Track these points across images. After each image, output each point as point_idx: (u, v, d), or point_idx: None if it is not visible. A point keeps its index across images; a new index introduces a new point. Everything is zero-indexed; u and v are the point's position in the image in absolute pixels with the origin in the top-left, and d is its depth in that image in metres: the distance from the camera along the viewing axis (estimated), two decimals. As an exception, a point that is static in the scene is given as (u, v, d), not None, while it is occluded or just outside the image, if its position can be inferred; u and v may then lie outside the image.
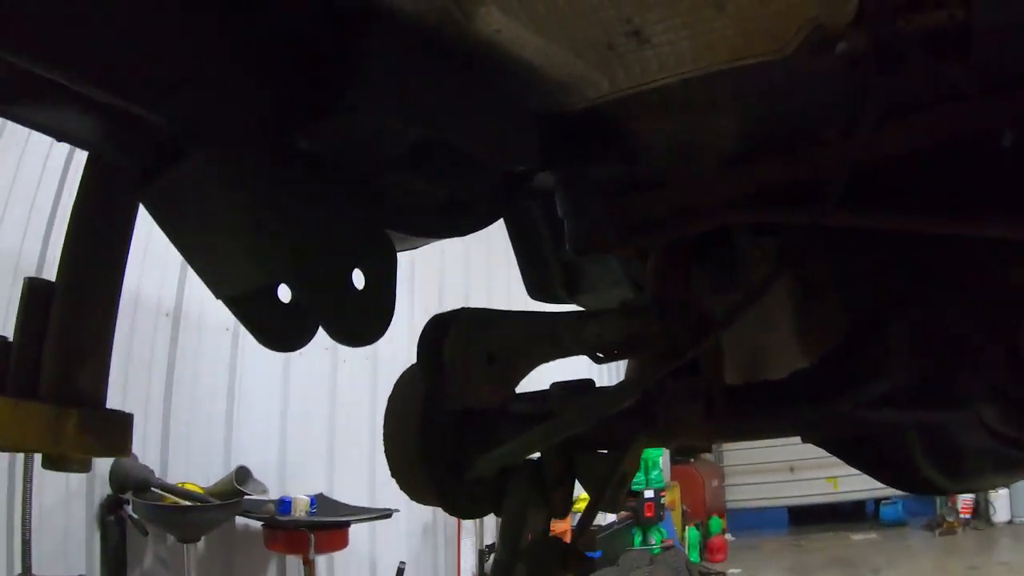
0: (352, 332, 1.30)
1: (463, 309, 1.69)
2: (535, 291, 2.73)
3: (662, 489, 13.92)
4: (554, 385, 2.21)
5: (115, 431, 1.29)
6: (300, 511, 7.09)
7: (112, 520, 6.12)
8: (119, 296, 1.35)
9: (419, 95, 1.32)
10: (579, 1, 1.24)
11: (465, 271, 11.56)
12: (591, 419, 1.93)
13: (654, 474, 13.82)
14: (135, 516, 6.17)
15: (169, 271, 7.11)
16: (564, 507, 2.31)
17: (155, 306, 7.14)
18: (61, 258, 1.31)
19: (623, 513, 12.84)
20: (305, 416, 8.55)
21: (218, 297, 1.33)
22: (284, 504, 7.05)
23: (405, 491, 2.32)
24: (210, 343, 7.67)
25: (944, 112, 1.78)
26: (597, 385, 2.25)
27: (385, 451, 2.27)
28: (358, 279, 1.30)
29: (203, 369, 7.55)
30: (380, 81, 1.25)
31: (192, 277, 6.96)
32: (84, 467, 1.28)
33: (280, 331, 1.37)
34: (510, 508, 2.23)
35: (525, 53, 1.38)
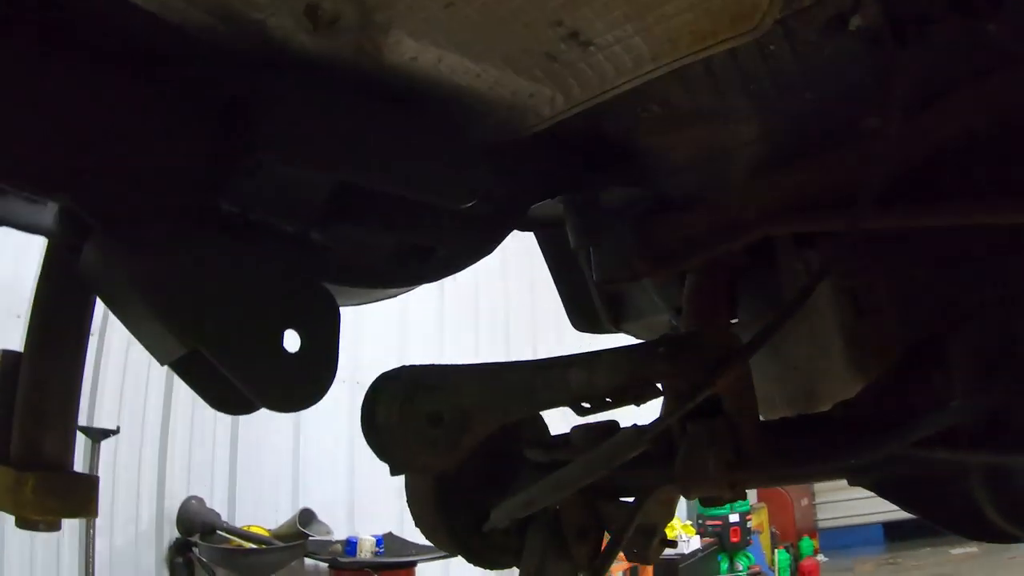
0: (281, 397, 1.26)
1: (403, 368, 1.62)
2: (579, 322, 2.64)
3: (748, 512, 13.32)
4: (575, 429, 2.03)
5: (77, 493, 1.35)
6: (366, 551, 7.17)
7: (180, 562, 6.31)
8: (82, 367, 1.42)
9: (328, 143, 1.25)
10: (493, 9, 1.15)
11: (531, 300, 11.53)
12: (596, 470, 1.79)
13: (739, 496, 13.20)
14: (202, 559, 6.32)
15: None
16: (590, 560, 2.14)
17: None
18: (27, 331, 1.40)
19: (708, 539, 12.50)
20: (373, 455, 8.64)
21: (162, 364, 1.33)
22: (350, 545, 7.15)
23: (429, 540, 2.28)
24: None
25: (992, 84, 1.59)
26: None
27: (407, 500, 2.23)
28: (291, 340, 1.26)
29: (267, 412, 7.70)
30: (282, 133, 1.21)
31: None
32: (51, 527, 1.35)
33: (222, 395, 1.35)
34: (526, 561, 2.14)
35: (454, 78, 1.31)
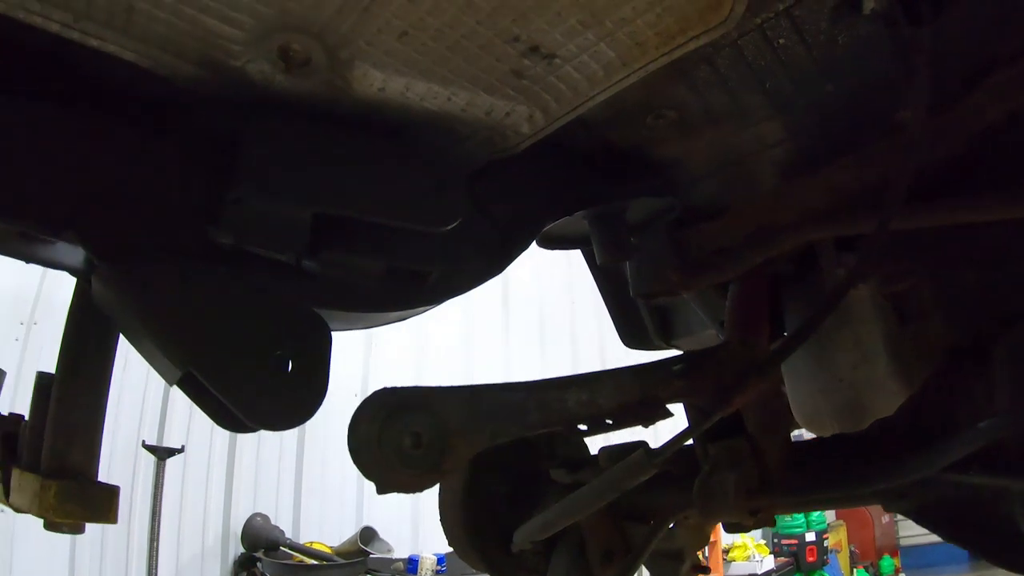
0: (266, 417, 1.33)
1: (385, 389, 1.62)
2: (628, 339, 2.59)
3: (825, 530, 12.86)
4: (602, 450, 1.97)
5: (97, 500, 1.50)
6: (427, 570, 7.26)
7: (244, 576, 6.51)
8: (108, 386, 1.58)
9: (301, 176, 1.32)
10: (446, 34, 1.17)
11: (598, 312, 11.51)
12: (607, 494, 1.71)
13: (815, 513, 12.64)
14: (266, 574, 6.53)
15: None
16: None
17: None
18: (58, 355, 1.57)
19: (782, 559, 12.10)
20: (436, 473, 8.76)
21: (169, 385, 1.45)
22: (411, 563, 7.25)
23: (462, 559, 2.30)
24: (338, 406, 8.01)
25: None
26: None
27: (440, 519, 2.26)
28: (280, 362, 1.34)
29: (333, 432, 7.91)
30: (259, 169, 1.28)
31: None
32: (73, 530, 1.51)
33: (220, 411, 1.41)
34: None
35: (425, 104, 1.33)
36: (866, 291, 1.92)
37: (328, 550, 6.97)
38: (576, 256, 2.51)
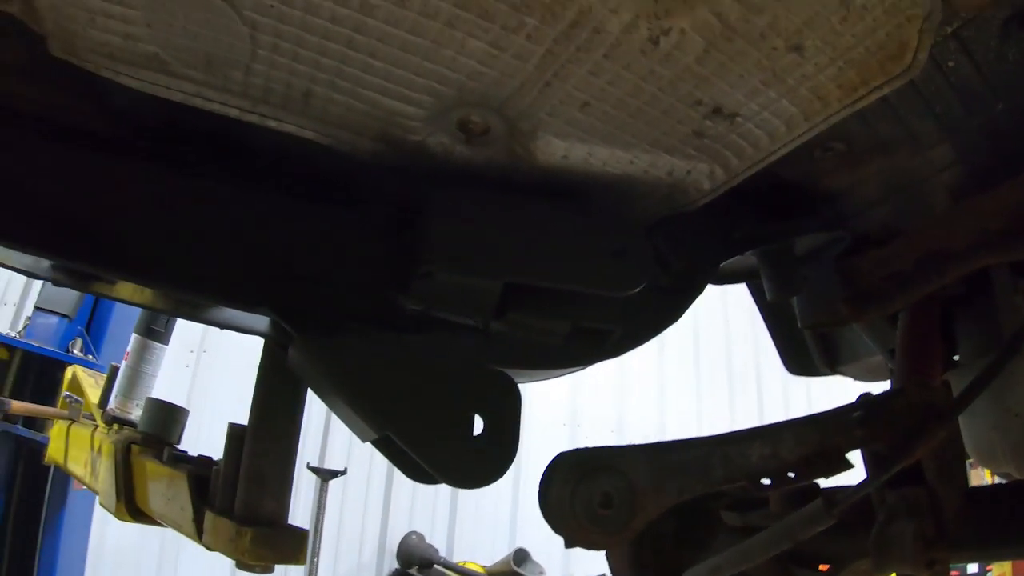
0: (463, 477, 1.36)
1: (577, 450, 1.62)
2: (793, 366, 2.53)
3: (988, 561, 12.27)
4: (776, 493, 1.87)
5: (287, 545, 1.60)
6: (578, 591, 7.33)
7: (398, 591, 6.71)
8: (297, 439, 1.70)
9: (491, 247, 1.33)
10: (627, 103, 1.17)
11: (754, 336, 11.19)
12: (782, 543, 1.66)
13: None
14: (420, 591, 6.71)
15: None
16: None
17: None
18: (250, 410, 1.69)
19: None
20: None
21: (363, 442, 1.51)
22: (563, 584, 7.32)
23: None
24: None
25: None
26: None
27: (605, 554, 2.17)
28: (475, 423, 1.38)
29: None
30: (447, 242, 1.31)
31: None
32: (265, 571, 1.63)
33: (416, 468, 1.46)
34: None
35: (607, 168, 1.34)
36: None
37: (481, 570, 7.09)
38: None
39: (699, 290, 1.79)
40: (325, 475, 6.78)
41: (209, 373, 6.87)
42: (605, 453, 1.65)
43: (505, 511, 8.05)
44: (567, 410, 8.96)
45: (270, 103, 1.20)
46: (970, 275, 1.83)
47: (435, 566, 6.79)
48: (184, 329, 6.88)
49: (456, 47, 1.04)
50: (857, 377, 2.48)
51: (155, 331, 3.39)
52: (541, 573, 7.47)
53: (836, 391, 2.34)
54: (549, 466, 1.65)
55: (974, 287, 1.94)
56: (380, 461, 7.55)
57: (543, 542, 7.83)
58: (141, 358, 3.39)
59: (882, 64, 1.14)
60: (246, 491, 1.63)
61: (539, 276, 1.38)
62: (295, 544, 1.64)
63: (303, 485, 6.98)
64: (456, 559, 7.23)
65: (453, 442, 1.37)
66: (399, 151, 1.29)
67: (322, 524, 6.70)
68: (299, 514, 6.93)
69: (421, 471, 1.43)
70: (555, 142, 1.25)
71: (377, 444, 1.42)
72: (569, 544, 1.57)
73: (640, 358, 9.79)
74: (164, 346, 3.46)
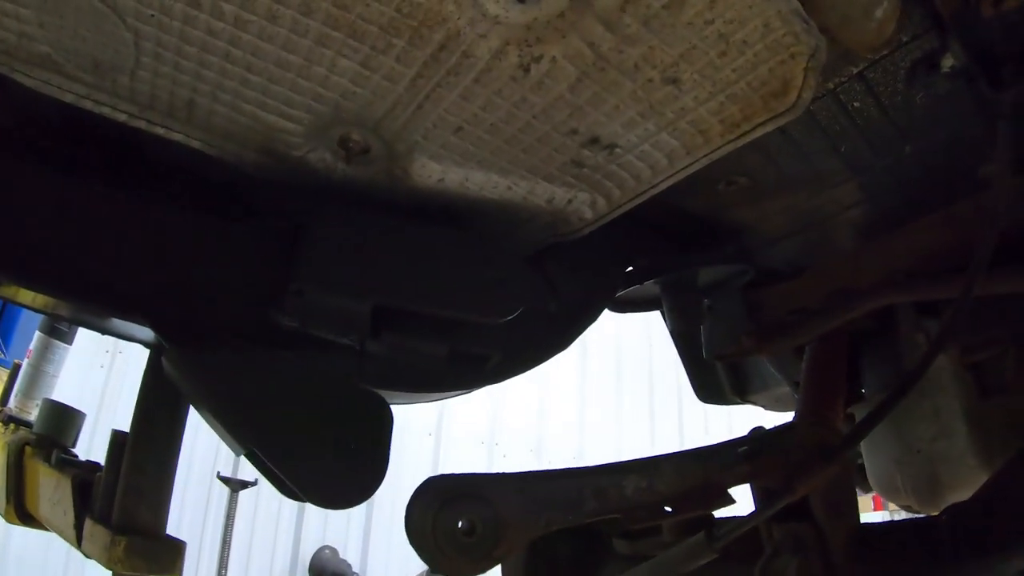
0: (328, 497, 1.37)
1: (440, 476, 1.58)
2: (704, 394, 2.52)
3: None
4: (667, 525, 1.86)
5: (162, 556, 1.57)
6: (490, 611, 7.31)
7: (309, 608, 6.65)
8: (178, 449, 1.67)
9: (363, 268, 1.35)
10: (501, 129, 1.17)
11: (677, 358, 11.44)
12: (663, 574, 1.66)
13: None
14: (330, 607, 6.65)
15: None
16: None
17: (420, 425, 7.80)
18: (132, 418, 1.66)
19: None
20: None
21: (236, 455, 1.56)
22: (476, 602, 7.28)
23: None
24: (412, 445, 8.16)
25: None
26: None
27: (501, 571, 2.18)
28: (341, 443, 1.36)
29: (405, 470, 8.04)
30: (318, 262, 1.32)
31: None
32: None
33: (285, 487, 1.43)
34: None
35: (485, 194, 1.34)
36: (946, 361, 1.80)
37: (394, 587, 7.06)
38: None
39: (593, 317, 1.80)
40: (235, 485, 6.68)
41: (124, 375, 6.74)
42: (472, 480, 1.61)
43: (418, 526, 8.04)
44: (486, 428, 8.96)
45: (156, 109, 1.22)
46: (878, 311, 1.86)
47: (346, 582, 6.74)
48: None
49: (328, 65, 1.06)
50: (767, 407, 2.52)
51: (58, 330, 3.32)
52: (455, 591, 7.44)
53: (758, 419, 2.37)
54: (415, 490, 1.61)
55: (882, 323, 1.95)
56: (295, 473, 7.51)
57: (458, 559, 7.84)
58: (43, 357, 3.30)
59: (765, 101, 1.13)
60: (123, 500, 1.61)
61: (410, 300, 1.39)
62: (170, 555, 1.62)
63: (214, 495, 6.90)
64: (370, 574, 7.17)
65: (318, 460, 1.35)
66: (282, 165, 1.31)
67: (230, 535, 6.60)
68: (209, 525, 6.84)
69: (290, 488, 1.42)
70: (431, 165, 1.27)
71: (248, 457, 1.39)
72: (435, 570, 1.54)
73: (562, 378, 9.83)
74: (67, 346, 3.37)
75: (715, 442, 1.77)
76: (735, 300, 2.01)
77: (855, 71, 1.38)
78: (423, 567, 7.48)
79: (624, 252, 1.83)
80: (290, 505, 7.53)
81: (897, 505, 2.03)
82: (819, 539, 1.60)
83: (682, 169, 1.27)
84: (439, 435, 8.25)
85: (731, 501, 1.66)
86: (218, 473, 6.87)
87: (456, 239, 1.42)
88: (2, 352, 5.36)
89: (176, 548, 1.63)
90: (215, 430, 1.44)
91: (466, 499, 1.56)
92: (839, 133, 1.53)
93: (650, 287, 2.05)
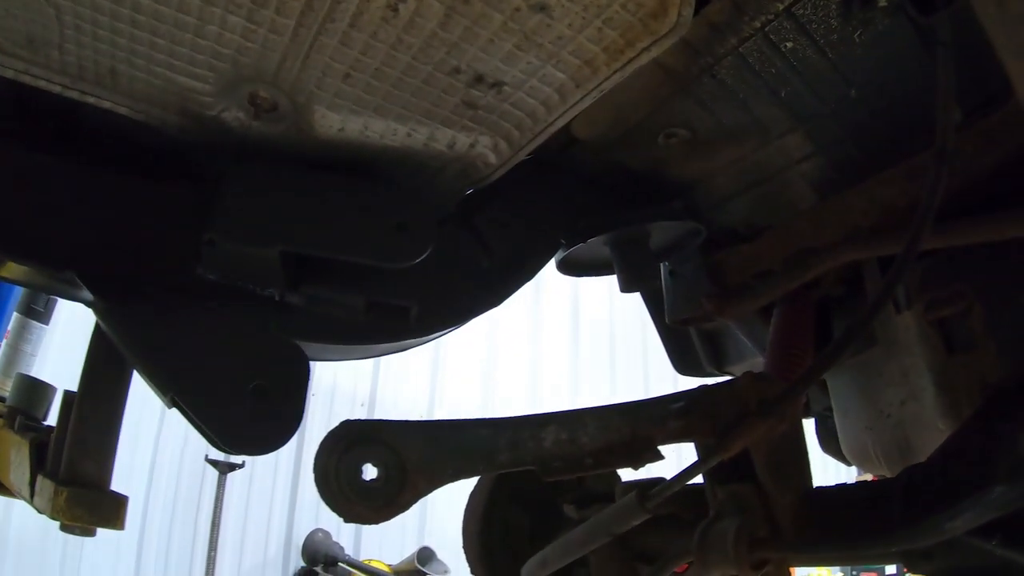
0: (241, 443, 1.44)
1: (347, 422, 1.59)
2: (681, 366, 2.49)
3: None
4: (620, 486, 1.85)
5: (105, 507, 1.63)
6: (483, 591, 7.35)
7: (303, 590, 6.75)
8: (123, 404, 1.73)
9: (267, 216, 1.39)
10: (386, 73, 1.19)
11: None
12: (599, 536, 1.65)
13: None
14: (324, 588, 6.76)
15: (363, 366, 7.81)
16: None
17: (351, 397, 7.84)
18: (80, 375, 1.74)
19: None
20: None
21: (167, 408, 1.52)
22: (468, 584, 7.34)
23: None
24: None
25: None
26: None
27: (463, 548, 2.24)
28: (257, 392, 1.42)
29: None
30: (227, 212, 1.37)
31: (385, 370, 7.59)
32: (84, 533, 1.66)
33: (209, 437, 1.48)
34: None
35: (386, 141, 1.37)
36: (912, 319, 1.74)
37: (387, 568, 7.15)
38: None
39: (527, 275, 1.82)
40: (223, 467, 6.79)
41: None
42: (375, 427, 1.62)
43: (412, 509, 8.09)
44: (426, 398, 8.96)
45: (86, 80, 1.29)
46: (846, 274, 1.85)
47: (340, 564, 6.82)
48: (86, 313, 6.88)
49: (219, 23, 1.12)
50: (740, 377, 2.48)
51: (35, 310, 3.40)
52: (446, 572, 7.53)
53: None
54: (322, 440, 1.62)
55: (851, 287, 1.93)
56: (286, 457, 7.57)
57: (451, 541, 7.90)
58: (20, 337, 3.39)
59: (645, 23, 1.11)
60: (69, 453, 1.67)
61: (314, 246, 1.42)
62: (112, 507, 1.67)
63: (208, 479, 7.00)
64: (363, 557, 7.28)
65: (232, 408, 1.42)
66: (201, 126, 1.37)
67: (220, 517, 6.69)
68: (203, 508, 6.93)
69: (212, 439, 1.47)
70: (330, 115, 1.31)
71: (176, 406, 1.45)
72: (344, 518, 1.56)
73: (512, 346, 9.82)
74: (44, 326, 3.46)
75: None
76: (694, 263, 1.99)
77: (781, 7, 1.35)
78: (414, 549, 7.57)
79: (563, 210, 1.85)
80: (284, 487, 7.62)
81: (872, 474, 1.97)
82: (763, 501, 1.54)
83: (576, 103, 1.26)
84: (431, 415, 8.32)
85: (658, 456, 1.61)
86: (206, 456, 6.97)
87: (360, 188, 1.46)
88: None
89: (118, 501, 1.68)
90: (145, 381, 1.52)
91: (371, 444, 1.57)
92: (776, 77, 1.49)
93: (600, 249, 1.98)
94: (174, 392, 1.40)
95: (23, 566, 6.67)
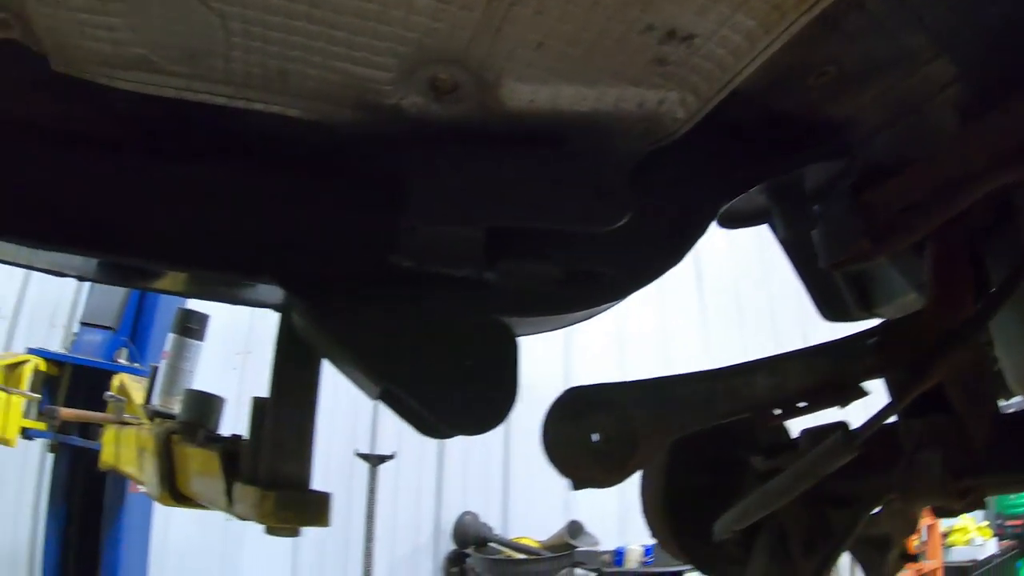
0: (467, 423, 1.43)
1: (573, 388, 1.64)
2: (828, 312, 2.42)
3: None
4: (803, 432, 1.88)
5: (311, 507, 1.67)
6: (634, 561, 7.31)
7: (456, 572, 6.88)
8: (315, 405, 1.75)
9: (468, 196, 1.39)
10: (579, 37, 1.16)
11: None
12: (803, 481, 1.62)
13: (1044, 490, 11.33)
14: (476, 569, 6.84)
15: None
16: (815, 572, 1.93)
17: None
18: (270, 379, 1.76)
19: (1006, 542, 10.98)
20: (644, 469, 8.91)
21: (372, 399, 1.54)
22: (618, 555, 7.32)
23: (664, 550, 2.29)
24: (542, 404, 8.26)
25: None
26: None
27: (643, 512, 2.24)
28: (471, 371, 1.43)
29: (538, 430, 8.16)
30: (426, 196, 1.38)
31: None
32: (291, 534, 1.70)
33: (424, 421, 1.48)
34: (751, 573, 2.00)
35: (576, 107, 1.34)
36: None
37: (536, 544, 7.20)
38: (766, 231, 2.35)
39: (699, 231, 1.78)
40: (374, 460, 6.94)
41: (255, 374, 7.03)
42: (601, 390, 1.67)
43: (557, 485, 8.13)
44: (560, 376, 8.91)
45: (252, 86, 1.27)
46: (996, 203, 1.79)
47: (490, 544, 6.91)
48: (230, 334, 7.08)
49: (406, 7, 1.09)
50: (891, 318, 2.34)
51: (190, 329, 3.54)
52: (595, 544, 7.53)
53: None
54: (551, 404, 1.70)
55: (1001, 214, 1.86)
56: (430, 444, 7.69)
57: (596, 514, 7.91)
58: (179, 355, 3.53)
59: None
60: (268, 458, 1.71)
61: (518, 218, 1.43)
62: (318, 506, 1.70)
63: (356, 473, 7.14)
64: (511, 536, 7.35)
65: (452, 389, 1.42)
66: (378, 116, 1.35)
67: (374, 509, 6.85)
68: (354, 502, 7.08)
69: (428, 424, 1.48)
70: (520, 87, 1.28)
71: (384, 398, 1.46)
72: (575, 485, 1.61)
73: (640, 320, 9.71)
74: (200, 343, 3.59)
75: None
76: (845, 202, 1.89)
77: None
78: (562, 524, 7.61)
79: (723, 163, 1.81)
80: (430, 475, 7.76)
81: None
82: (959, 430, 1.55)
83: (763, 50, 1.23)
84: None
85: (864, 393, 1.66)
86: (356, 451, 7.11)
87: (554, 157, 1.44)
88: (140, 363, 5.65)
89: (324, 498, 1.71)
90: (348, 376, 1.53)
91: (602, 408, 1.63)
92: (920, 2, 1.46)
93: (757, 198, 1.99)
94: (389, 381, 1.41)
95: (185, 570, 6.94)
